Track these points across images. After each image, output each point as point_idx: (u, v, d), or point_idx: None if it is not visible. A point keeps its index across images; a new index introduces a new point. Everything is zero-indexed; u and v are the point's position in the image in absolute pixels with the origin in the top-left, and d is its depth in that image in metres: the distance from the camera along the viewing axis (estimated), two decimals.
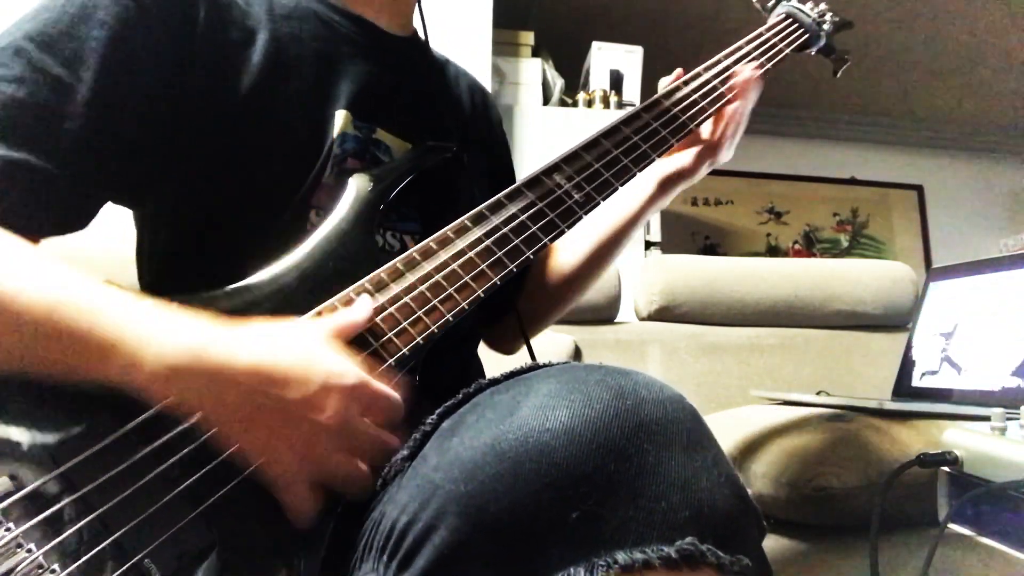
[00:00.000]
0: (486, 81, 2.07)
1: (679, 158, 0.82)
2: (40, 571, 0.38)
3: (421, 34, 0.78)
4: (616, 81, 2.46)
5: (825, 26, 0.94)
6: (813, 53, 0.96)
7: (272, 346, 0.46)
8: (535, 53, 2.46)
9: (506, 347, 0.93)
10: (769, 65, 0.85)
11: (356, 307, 0.52)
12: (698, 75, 0.81)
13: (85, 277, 0.46)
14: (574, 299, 0.92)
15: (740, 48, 0.86)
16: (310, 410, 0.44)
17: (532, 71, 2.41)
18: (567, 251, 0.89)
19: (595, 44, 2.48)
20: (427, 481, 0.38)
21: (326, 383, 0.45)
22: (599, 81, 2.44)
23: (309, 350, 0.46)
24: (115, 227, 0.68)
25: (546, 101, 2.42)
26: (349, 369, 0.46)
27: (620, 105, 2.42)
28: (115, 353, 0.43)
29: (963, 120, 3.80)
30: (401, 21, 0.75)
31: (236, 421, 0.44)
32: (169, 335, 0.44)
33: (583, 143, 0.70)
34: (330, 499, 0.46)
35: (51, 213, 0.53)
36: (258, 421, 0.44)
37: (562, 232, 0.64)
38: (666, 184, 0.83)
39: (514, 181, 0.66)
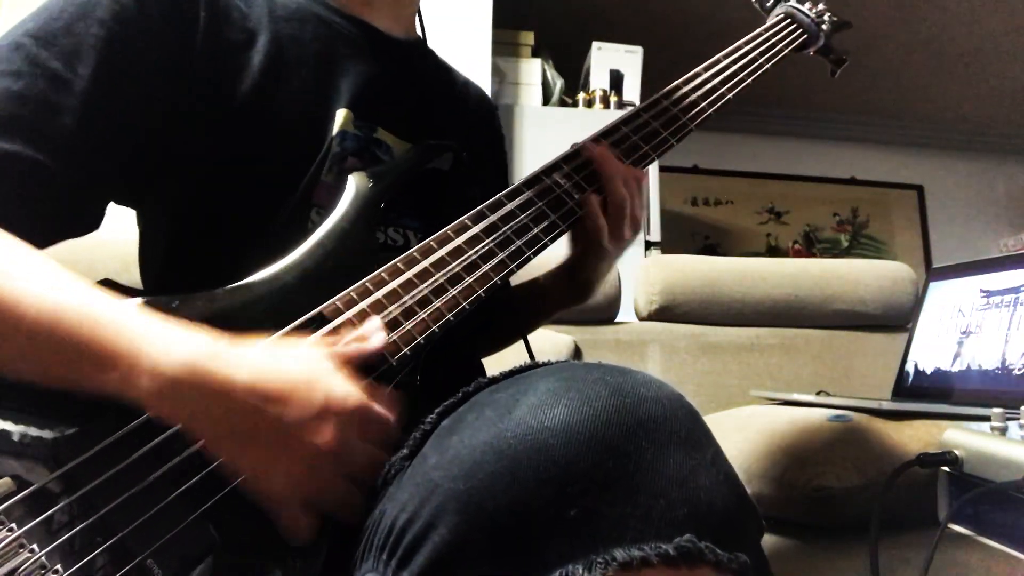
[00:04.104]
0: (486, 81, 2.07)
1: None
2: (43, 571, 0.38)
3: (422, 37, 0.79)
4: (616, 81, 2.46)
5: (824, 26, 0.94)
6: (812, 53, 0.96)
7: (274, 364, 0.45)
8: (535, 53, 2.46)
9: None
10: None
11: (371, 339, 0.51)
12: (698, 75, 0.81)
13: (84, 284, 0.46)
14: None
15: (739, 48, 0.86)
16: (308, 433, 0.43)
17: (532, 71, 2.42)
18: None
19: (595, 44, 2.48)
20: (426, 480, 0.38)
21: (327, 406, 0.44)
22: (599, 81, 2.44)
23: (311, 369, 0.45)
24: (118, 226, 0.68)
25: (546, 101, 2.42)
26: (351, 392, 0.45)
27: (620, 105, 2.42)
28: (113, 366, 0.42)
29: (963, 120, 3.80)
30: (403, 25, 0.75)
31: (231, 439, 0.43)
32: (167, 349, 0.43)
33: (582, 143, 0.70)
34: (324, 520, 0.45)
35: (47, 209, 0.52)
36: (254, 441, 0.43)
37: (562, 232, 0.65)
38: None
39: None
